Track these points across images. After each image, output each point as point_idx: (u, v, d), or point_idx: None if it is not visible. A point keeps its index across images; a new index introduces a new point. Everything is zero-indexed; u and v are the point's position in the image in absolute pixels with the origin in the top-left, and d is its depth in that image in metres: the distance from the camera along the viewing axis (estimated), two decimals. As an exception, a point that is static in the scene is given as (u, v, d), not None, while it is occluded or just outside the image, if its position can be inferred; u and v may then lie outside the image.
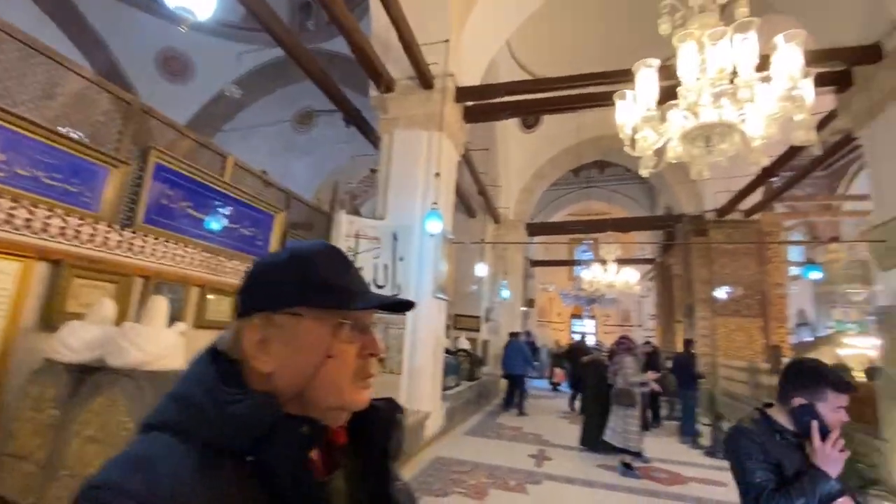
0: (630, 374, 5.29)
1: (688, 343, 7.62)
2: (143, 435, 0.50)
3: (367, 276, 5.59)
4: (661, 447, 6.26)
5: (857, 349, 10.40)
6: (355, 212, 6.51)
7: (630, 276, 8.40)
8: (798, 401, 1.40)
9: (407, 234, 5.72)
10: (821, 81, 5.76)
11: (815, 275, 7.21)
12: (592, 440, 5.86)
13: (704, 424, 7.00)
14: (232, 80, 10.17)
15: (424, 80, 5.91)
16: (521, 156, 11.74)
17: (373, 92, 6.34)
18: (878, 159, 5.38)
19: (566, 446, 6.16)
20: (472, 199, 10.56)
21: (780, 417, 1.45)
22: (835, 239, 14.94)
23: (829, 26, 5.54)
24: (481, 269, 8.27)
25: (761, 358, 9.98)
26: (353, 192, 8.85)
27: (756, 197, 10.37)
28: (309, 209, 5.70)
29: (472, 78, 6.74)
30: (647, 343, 9.36)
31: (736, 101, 2.08)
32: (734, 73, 2.10)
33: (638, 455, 5.18)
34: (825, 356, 10.26)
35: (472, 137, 7.71)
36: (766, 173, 8.80)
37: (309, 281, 0.55)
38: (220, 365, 0.53)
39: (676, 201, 11.93)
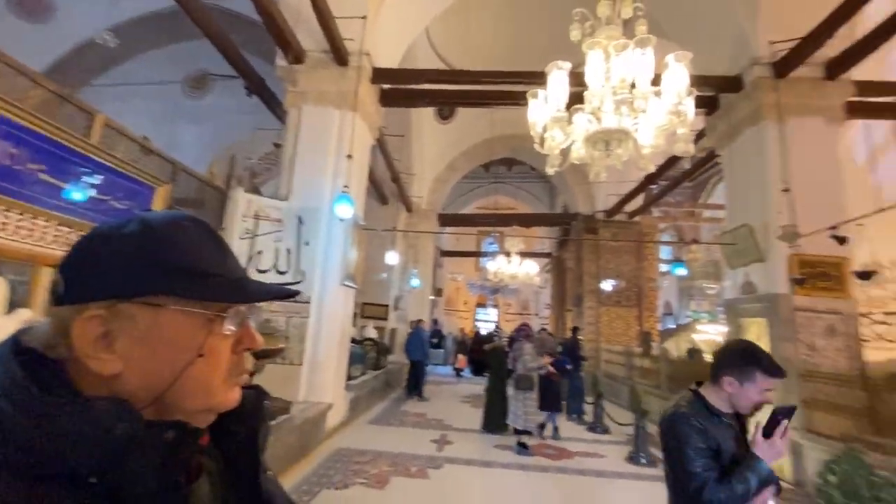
0: (528, 360, 5.67)
1: (574, 330, 8.38)
2: None
3: (267, 260, 5.20)
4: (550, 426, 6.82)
5: (708, 335, 12.35)
6: (255, 190, 5.99)
7: (531, 268, 8.99)
8: (728, 380, 1.45)
9: (314, 218, 5.42)
10: (695, 104, 6.63)
11: (681, 271, 8.40)
12: (494, 423, 6.18)
13: (588, 403, 7.76)
14: (106, 27, 8.67)
15: (339, 55, 5.60)
16: (436, 146, 11.80)
17: (280, 62, 5.86)
18: (732, 175, 6.38)
19: (467, 430, 6.41)
20: (385, 186, 10.38)
21: (713, 398, 1.47)
22: (695, 241, 17.52)
23: (705, 57, 6.35)
24: (392, 258, 8.19)
25: (635, 343, 11.37)
26: (253, 169, 8.13)
27: (639, 201, 11.70)
28: (200, 184, 5.09)
29: (389, 60, 6.55)
30: (543, 330, 10.10)
31: (633, 111, 2.29)
32: (633, 85, 2.31)
33: (542, 427, 5.61)
34: (684, 340, 12.04)
35: (387, 122, 7.54)
36: (648, 181, 9.96)
37: (173, 263, 0.45)
38: (33, 367, 0.41)
39: (573, 201, 12.99)
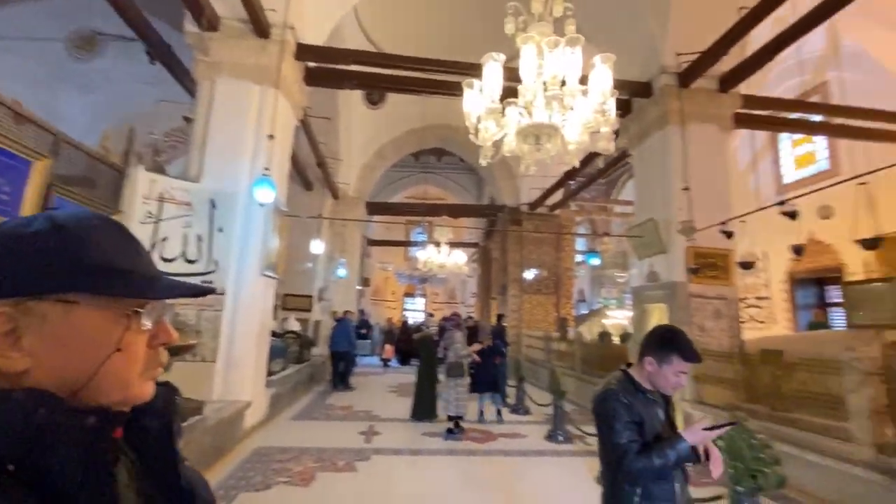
0: (459, 347, 5.80)
1: (499, 317, 8.71)
2: None
3: (174, 247, 4.70)
4: (476, 409, 7.05)
5: (617, 319, 13.50)
6: (159, 169, 5.37)
7: (459, 258, 9.14)
8: (649, 360, 1.60)
9: (229, 202, 5.00)
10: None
11: (595, 261, 9.08)
12: (423, 411, 6.23)
13: (510, 386, 8.12)
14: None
15: (259, 26, 5.17)
16: (365, 132, 11.46)
17: (190, 27, 5.27)
18: (641, 174, 6.96)
19: (396, 419, 6.39)
20: (310, 171, 9.89)
21: (639, 376, 1.63)
22: (607, 234, 19.03)
23: (619, 62, 6.84)
24: (317, 246, 7.84)
25: (553, 328, 12.11)
26: (156, 146, 7.25)
27: (558, 196, 12.38)
28: (89, 159, 4.43)
29: (315, 37, 6.19)
30: (470, 318, 10.37)
31: (562, 107, 2.39)
32: (563, 82, 2.40)
33: (459, 418, 5.76)
34: (595, 325, 13.05)
35: (312, 103, 7.15)
36: (567, 176, 10.56)
37: (86, 261, 0.45)
38: None
39: (499, 193, 13.39)
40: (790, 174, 11.58)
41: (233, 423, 4.65)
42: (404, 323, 15.53)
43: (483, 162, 2.93)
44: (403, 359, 14.12)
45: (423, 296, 22.42)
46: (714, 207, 5.71)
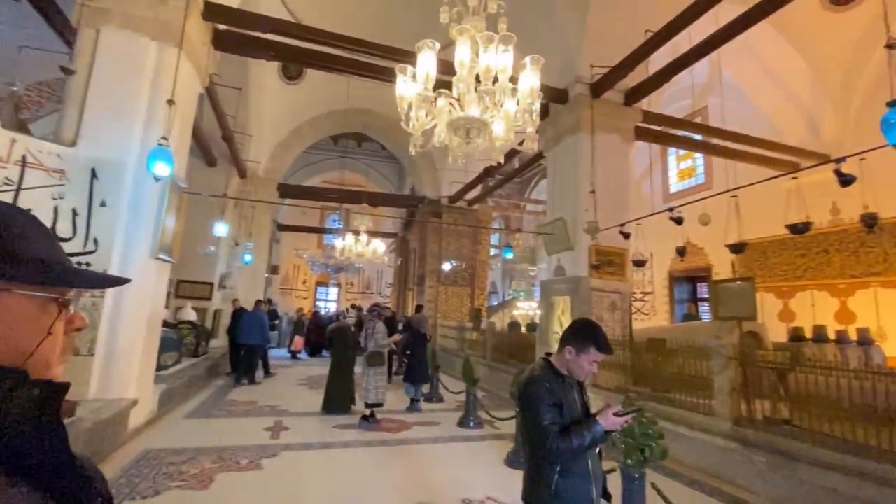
0: (380, 338, 5.74)
1: (419, 307, 8.76)
2: None
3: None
4: (391, 399, 7.03)
5: (524, 310, 14.34)
6: (22, 127, 4.49)
7: (378, 247, 8.98)
8: (569, 349, 1.74)
9: (115, 173, 4.34)
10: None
11: (509, 255, 9.53)
12: (335, 404, 6.06)
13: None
14: None
15: (160, -26, 4.53)
16: (280, 108, 10.70)
17: (68, -39, 4.45)
18: (553, 176, 7.40)
19: (305, 413, 6.13)
20: (214, 145, 8.99)
21: (559, 363, 1.78)
22: (519, 230, 20.09)
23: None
24: (221, 229, 7.16)
25: (467, 319, 12.51)
26: (18, 99, 5.99)
27: (477, 191, 12.75)
28: (-80, 107, 3.56)
29: (226, -3, 5.60)
30: (387, 308, 10.27)
31: (493, 103, 2.44)
32: (496, 79, 2.45)
33: (380, 406, 5.72)
34: (506, 316, 13.73)
35: (221, 71, 6.49)
36: (486, 173, 10.89)
37: (17, 252, 0.49)
38: None
39: (420, 185, 13.41)
40: (675, 185, 13.20)
41: (114, 424, 4.10)
42: (315, 313, 14.93)
43: (412, 150, 2.90)
44: (314, 351, 13.59)
45: (338, 286, 21.73)
46: (614, 210, 6.30)
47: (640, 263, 6.62)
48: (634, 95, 6.83)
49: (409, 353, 7.00)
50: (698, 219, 6.30)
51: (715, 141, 8.75)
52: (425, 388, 7.62)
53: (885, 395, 2.88)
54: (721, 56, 8.64)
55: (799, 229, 4.88)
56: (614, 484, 2.35)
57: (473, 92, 2.57)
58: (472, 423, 5.73)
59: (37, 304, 0.50)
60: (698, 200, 6.43)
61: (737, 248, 5.08)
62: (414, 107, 2.62)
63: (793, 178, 7.62)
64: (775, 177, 6.92)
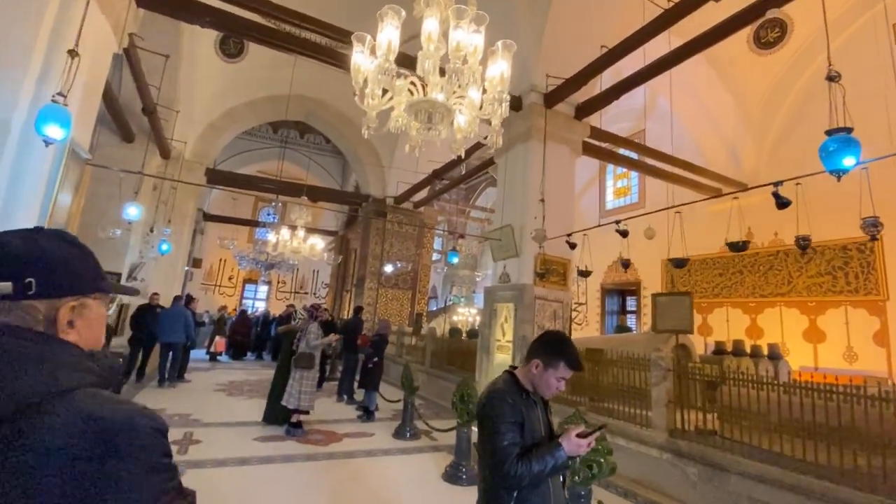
0: (313, 338, 5.30)
1: (358, 310, 8.31)
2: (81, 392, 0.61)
3: None
4: (321, 408, 6.53)
5: (463, 316, 14.28)
6: None
7: (317, 244, 8.40)
8: (536, 362, 1.59)
9: (-7, 133, 3.56)
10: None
11: (455, 260, 9.44)
12: (278, 413, 5.46)
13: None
14: None
15: None
16: (214, 86, 9.78)
17: None
18: (503, 182, 7.34)
19: (222, 424, 5.49)
20: (132, 118, 7.97)
21: (524, 378, 1.62)
22: (462, 235, 20.14)
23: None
24: (133, 211, 6.28)
25: (406, 323, 12.18)
26: None
27: (423, 194, 12.53)
28: None
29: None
30: (325, 310, 9.68)
31: (461, 86, 2.21)
32: (465, 60, 2.23)
33: (305, 413, 5.27)
34: (445, 321, 13.57)
35: (147, 34, 5.72)
36: (435, 175, 10.71)
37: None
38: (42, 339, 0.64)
39: (366, 183, 12.92)
40: (610, 202, 13.86)
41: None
42: (242, 312, 13.83)
43: (364, 133, 2.59)
44: (237, 353, 12.54)
45: (268, 283, 20.39)
46: (560, 220, 6.34)
47: (585, 274, 6.73)
48: (584, 110, 6.98)
49: (376, 359, 6.54)
50: (644, 233, 6.54)
51: (651, 162, 9.23)
52: (358, 397, 7.21)
53: (812, 410, 3.02)
54: (660, 83, 9.19)
55: (739, 247, 5.17)
56: None
57: (438, 74, 2.33)
58: (408, 434, 5.43)
59: (104, 306, 0.75)
60: (634, 217, 6.71)
61: (679, 263, 5.31)
62: (370, 82, 2.32)
63: (716, 201, 8.26)
64: (701, 200, 7.40)
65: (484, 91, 2.45)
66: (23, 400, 0.53)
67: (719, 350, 6.35)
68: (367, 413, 6.27)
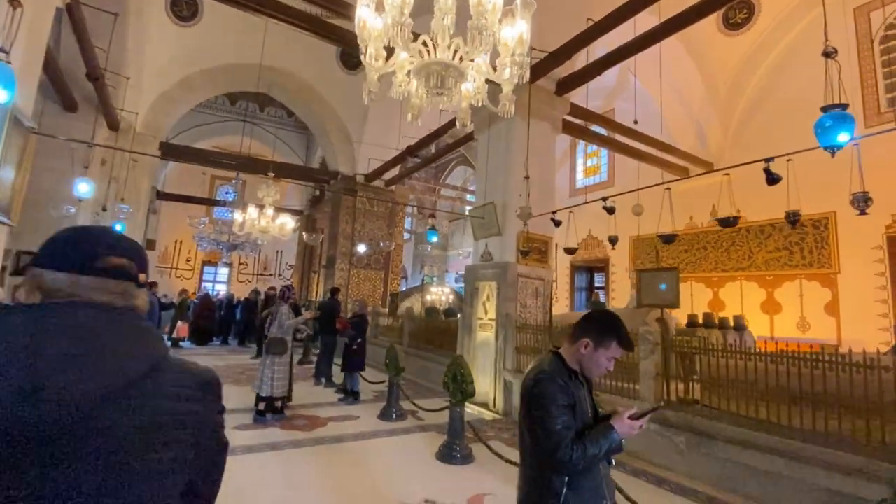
0: (284, 320, 5.07)
1: (334, 291, 8.05)
2: None
3: None
4: (299, 392, 6.34)
5: (437, 295, 14.24)
6: None
7: (288, 222, 8.00)
8: (586, 341, 1.50)
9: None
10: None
11: (434, 239, 9.30)
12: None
13: (336, 364, 7.62)
14: None
15: None
16: (167, 51, 8.97)
17: None
18: (485, 159, 7.21)
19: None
20: (76, 85, 7.19)
21: (569, 358, 1.54)
22: (433, 215, 19.95)
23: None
24: (83, 188, 5.69)
25: (380, 303, 12.00)
26: None
27: (394, 172, 12.20)
28: None
29: None
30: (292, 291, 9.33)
31: (480, 44, 2.03)
32: (484, 18, 2.04)
33: (285, 400, 5.10)
34: (416, 301, 13.49)
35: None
36: (409, 151, 10.40)
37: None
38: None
39: (333, 159, 12.41)
40: (581, 180, 14.04)
41: None
42: (205, 295, 13.16)
43: (365, 98, 2.38)
44: (201, 338, 11.96)
45: (229, 265, 19.48)
46: (541, 197, 6.30)
47: (571, 251, 6.77)
48: (565, 86, 6.90)
49: (359, 340, 6.34)
50: (632, 209, 6.63)
51: (623, 140, 9.35)
52: (336, 380, 7.05)
53: (799, 377, 3.16)
54: (635, 62, 9.24)
55: (730, 222, 5.30)
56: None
57: (448, 37, 2.14)
58: (395, 415, 5.35)
59: None
60: (615, 196, 6.75)
61: (668, 239, 5.41)
62: (375, 40, 2.09)
63: (680, 182, 8.48)
64: (670, 181, 7.56)
65: (497, 55, 2.28)
66: (154, 361, 0.69)
67: (692, 323, 6.62)
68: (353, 395, 6.14)
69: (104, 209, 7.12)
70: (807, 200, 8.55)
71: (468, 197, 18.24)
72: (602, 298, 12.97)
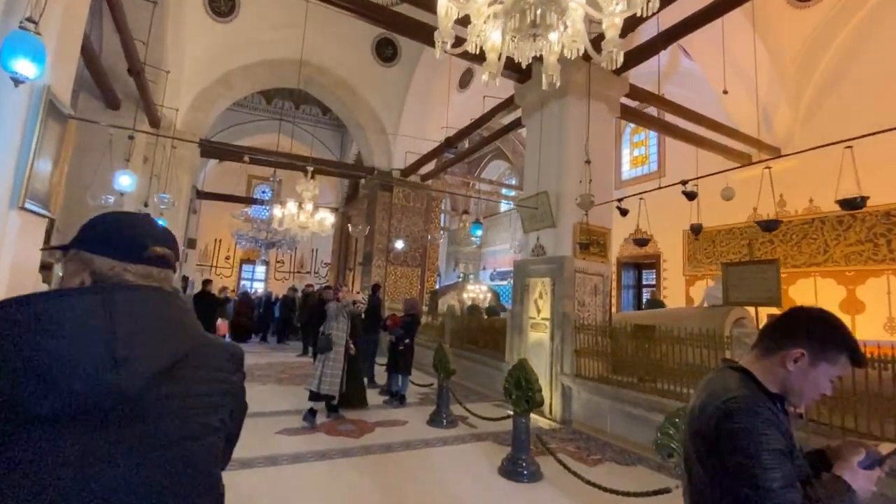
0: (331, 317, 4.80)
1: (375, 288, 7.75)
2: None
3: None
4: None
5: (474, 293, 13.81)
6: None
7: (328, 218, 7.74)
8: (798, 353, 1.03)
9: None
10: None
11: (479, 233, 8.88)
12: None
13: (380, 365, 7.31)
14: None
15: None
16: (206, 47, 8.92)
17: None
18: (534, 145, 6.66)
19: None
20: (118, 82, 7.15)
21: (768, 378, 1.07)
22: (466, 212, 19.50)
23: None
24: (125, 181, 5.58)
25: (419, 301, 11.67)
26: None
27: (430, 166, 11.84)
28: None
29: None
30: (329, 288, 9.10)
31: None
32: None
33: (331, 399, 4.84)
34: (453, 298, 13.09)
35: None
36: (447, 143, 9.99)
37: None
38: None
39: (370, 154, 12.15)
40: (627, 172, 13.25)
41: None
42: (244, 293, 13.23)
43: (437, 52, 1.98)
44: (239, 336, 11.97)
45: (266, 263, 19.68)
46: (601, 185, 5.75)
47: (642, 242, 6.18)
48: (623, 63, 6.29)
49: (407, 341, 6.02)
50: (721, 193, 6.03)
51: (682, 124, 8.61)
52: (379, 380, 6.74)
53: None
54: (690, 42, 8.49)
55: (856, 204, 4.69)
56: None
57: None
58: (445, 421, 4.95)
59: None
60: (654, 189, 6.10)
61: (769, 226, 4.82)
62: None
63: (744, 169, 7.69)
64: (729, 169, 6.82)
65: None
66: (197, 337, 0.79)
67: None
68: (400, 399, 5.80)
69: (146, 205, 7.06)
70: (892, 188, 7.64)
71: (504, 191, 17.69)
72: (647, 296, 12.18)
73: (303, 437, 4.35)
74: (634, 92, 6.83)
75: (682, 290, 10.98)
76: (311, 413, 4.70)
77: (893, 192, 7.65)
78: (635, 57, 6.22)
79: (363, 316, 6.05)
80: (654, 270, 12.18)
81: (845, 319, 6.48)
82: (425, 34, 5.59)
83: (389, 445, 4.25)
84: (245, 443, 3.64)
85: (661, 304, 7.94)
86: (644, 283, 12.88)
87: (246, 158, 7.43)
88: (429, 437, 4.58)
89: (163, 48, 7.38)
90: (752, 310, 4.97)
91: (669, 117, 8.84)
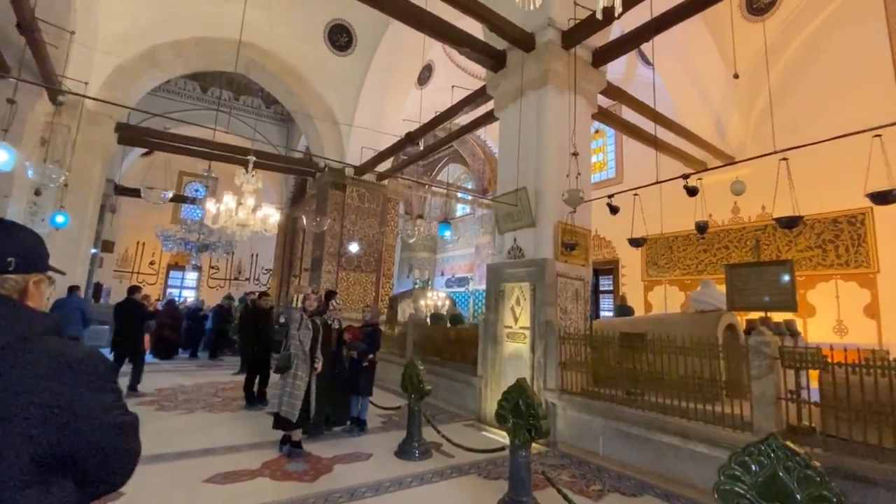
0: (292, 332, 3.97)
1: (330, 294, 6.81)
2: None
3: None
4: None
5: (431, 300, 13.13)
6: None
7: (272, 214, 6.70)
8: None
9: None
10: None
11: (447, 233, 8.23)
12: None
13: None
14: None
15: None
16: (127, 13, 7.62)
17: None
18: (509, 138, 6.09)
19: (154, 457, 3.90)
20: (6, 44, 5.78)
21: None
22: (420, 216, 18.82)
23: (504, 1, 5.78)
24: (2, 156, 4.33)
25: (380, 308, 10.77)
26: None
27: (386, 165, 11.08)
28: None
29: None
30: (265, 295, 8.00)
31: None
32: None
33: (290, 425, 4.00)
34: (408, 306, 12.33)
35: None
36: (409, 138, 9.28)
37: (46, 253, 0.98)
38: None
39: (320, 149, 11.15)
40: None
41: None
42: (170, 302, 11.63)
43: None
44: (165, 351, 10.42)
45: (198, 269, 17.76)
46: (583, 184, 5.33)
47: (638, 242, 5.79)
48: (602, 57, 5.98)
49: (370, 357, 5.16)
50: (730, 188, 5.77)
51: (647, 126, 8.52)
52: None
53: None
54: (652, 46, 8.45)
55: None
56: None
57: None
58: (417, 452, 4.20)
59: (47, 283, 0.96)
60: (615, 194, 5.83)
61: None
62: None
63: (698, 178, 7.67)
64: (686, 175, 6.70)
65: None
66: (10, 339, 0.78)
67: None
68: (361, 425, 4.96)
69: (37, 193, 5.71)
70: (840, 196, 7.99)
71: (460, 195, 17.23)
72: (607, 303, 12.15)
73: (240, 485, 3.42)
74: (608, 89, 6.53)
75: (640, 295, 10.99)
76: (294, 444, 3.99)
77: (840, 199, 7.99)
78: (614, 50, 5.93)
79: (339, 326, 5.17)
80: (611, 276, 12.17)
81: (797, 323, 6.44)
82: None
83: (354, 490, 3.42)
84: (159, 499, 2.66)
85: (630, 310, 7.70)
86: (601, 289, 12.85)
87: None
88: (401, 473, 3.81)
89: (68, 3, 6.08)
90: (739, 315, 4.72)
91: (634, 120, 8.73)
